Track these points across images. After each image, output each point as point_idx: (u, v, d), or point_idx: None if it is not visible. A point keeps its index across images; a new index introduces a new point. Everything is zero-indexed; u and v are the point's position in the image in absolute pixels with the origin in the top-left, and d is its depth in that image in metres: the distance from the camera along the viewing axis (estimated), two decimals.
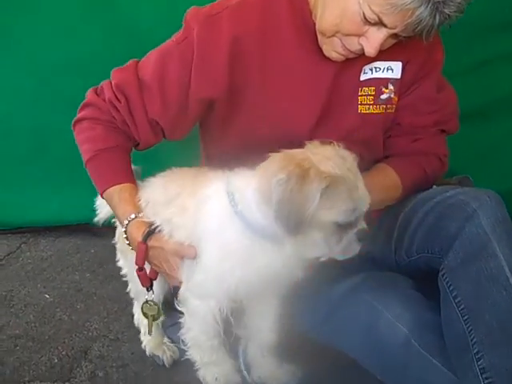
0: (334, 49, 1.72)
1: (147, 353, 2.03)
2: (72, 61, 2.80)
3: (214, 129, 1.94)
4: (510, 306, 1.48)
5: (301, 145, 1.56)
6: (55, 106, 2.92)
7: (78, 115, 1.89)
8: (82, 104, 1.89)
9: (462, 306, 1.55)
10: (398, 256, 1.84)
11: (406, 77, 1.82)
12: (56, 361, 2.07)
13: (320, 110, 1.80)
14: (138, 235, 1.74)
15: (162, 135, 1.89)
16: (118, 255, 2.05)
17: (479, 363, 1.47)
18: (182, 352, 1.81)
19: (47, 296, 2.50)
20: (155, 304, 1.84)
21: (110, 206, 1.85)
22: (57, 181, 3.02)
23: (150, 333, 1.89)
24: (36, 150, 2.99)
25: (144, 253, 1.72)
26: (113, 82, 1.83)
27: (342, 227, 1.49)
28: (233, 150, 1.84)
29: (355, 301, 1.72)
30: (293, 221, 1.45)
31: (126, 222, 1.78)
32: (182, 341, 1.77)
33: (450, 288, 1.58)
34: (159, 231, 1.73)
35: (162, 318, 1.93)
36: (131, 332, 2.17)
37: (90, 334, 2.22)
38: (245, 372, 1.82)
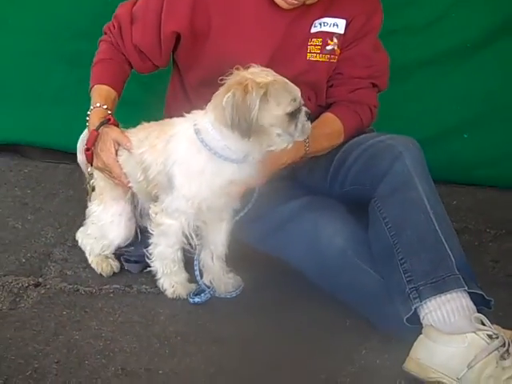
0: None
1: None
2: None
3: (180, 63, 2.31)
4: (426, 225, 1.92)
5: None
6: None
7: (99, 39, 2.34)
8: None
9: (389, 225, 1.97)
10: (331, 188, 2.25)
11: (349, 33, 2.22)
12: (24, 260, 2.28)
13: (272, 53, 2.17)
14: (94, 121, 2.12)
15: (150, 62, 2.28)
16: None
17: (403, 266, 1.90)
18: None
19: None
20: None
21: (91, 101, 2.19)
22: None
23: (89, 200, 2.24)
24: None
25: (94, 138, 2.11)
26: (115, 13, 2.25)
27: (293, 115, 1.87)
28: (195, 86, 2.25)
29: (301, 217, 2.11)
30: (244, 126, 1.84)
31: (91, 107, 2.15)
32: (147, 255, 2.11)
33: (381, 211, 2.01)
34: (112, 123, 2.12)
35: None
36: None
37: (48, 241, 2.44)
38: (198, 277, 2.14)
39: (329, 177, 2.25)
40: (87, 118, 2.15)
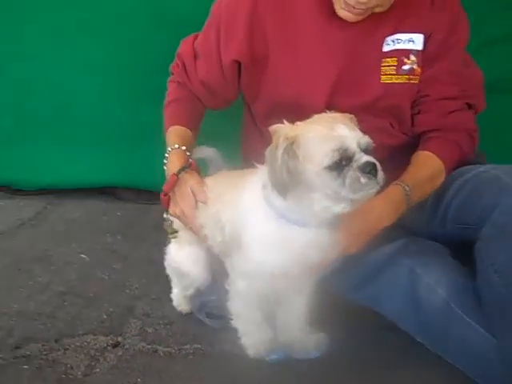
0: (341, 6, 1.84)
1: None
2: (95, 22, 2.92)
3: (246, 93, 2.17)
4: None
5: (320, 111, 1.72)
6: (77, 67, 2.99)
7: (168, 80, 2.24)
8: None
9: (499, 274, 1.68)
10: (430, 227, 1.99)
11: (429, 49, 1.94)
12: (105, 317, 2.17)
13: (336, 78, 1.93)
14: (175, 165, 1.95)
15: (221, 98, 2.17)
16: None
17: None
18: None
19: (84, 256, 2.61)
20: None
21: (167, 145, 2.05)
22: (79, 143, 3.14)
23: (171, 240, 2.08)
24: (60, 111, 3.11)
25: (173, 183, 1.94)
26: (177, 51, 2.19)
27: (336, 169, 1.57)
28: (263, 118, 2.06)
29: (396, 265, 1.86)
30: (275, 182, 1.61)
31: (169, 149, 1.99)
32: (227, 312, 1.93)
33: (488, 257, 1.72)
34: (193, 168, 1.95)
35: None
36: (171, 292, 2.28)
37: (133, 293, 2.33)
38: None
39: (426, 214, 1.98)
40: (165, 161, 2.02)
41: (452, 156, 1.98)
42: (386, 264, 1.90)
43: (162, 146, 2.09)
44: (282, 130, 1.62)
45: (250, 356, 1.91)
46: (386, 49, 1.94)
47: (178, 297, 2.18)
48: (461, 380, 1.78)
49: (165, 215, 2.09)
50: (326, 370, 1.86)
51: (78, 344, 2.02)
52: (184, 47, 2.16)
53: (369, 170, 1.55)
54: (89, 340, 2.04)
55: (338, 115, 1.65)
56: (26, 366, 1.91)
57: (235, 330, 1.94)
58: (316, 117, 1.65)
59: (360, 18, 1.86)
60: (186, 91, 2.15)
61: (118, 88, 3.02)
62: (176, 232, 2.08)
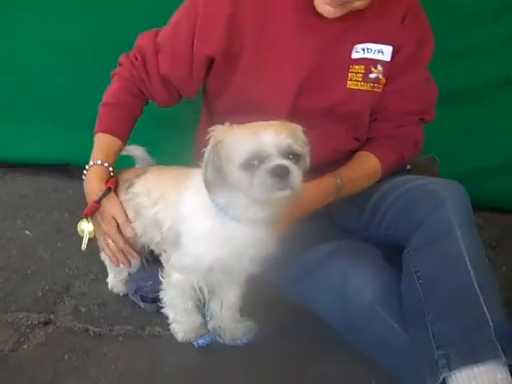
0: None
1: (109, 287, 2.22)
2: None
3: (211, 90, 2.12)
4: (464, 285, 1.67)
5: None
6: (41, 46, 2.97)
7: (113, 71, 2.13)
8: (118, 62, 2.13)
9: (421, 281, 1.74)
10: (367, 231, 2.03)
11: (397, 61, 1.98)
12: (40, 294, 2.18)
13: (305, 78, 1.95)
14: (94, 185, 1.97)
15: (176, 94, 2.09)
16: None
17: (432, 328, 1.66)
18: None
19: (28, 233, 2.61)
20: (91, 223, 2.03)
21: (92, 150, 2.04)
22: (36, 119, 3.10)
23: (85, 247, 2.05)
24: (21, 86, 3.06)
25: (95, 210, 1.97)
26: (136, 44, 2.09)
27: (250, 169, 1.59)
28: (225, 113, 2.00)
29: (330, 265, 1.89)
30: (204, 182, 1.67)
31: (91, 163, 1.99)
32: (159, 298, 1.97)
33: (413, 264, 1.78)
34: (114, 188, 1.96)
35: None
36: None
37: (71, 272, 2.34)
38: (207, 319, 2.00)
39: (364, 218, 2.04)
40: (84, 172, 2.02)
41: (391, 161, 2.05)
42: (320, 262, 1.93)
43: None
44: (217, 131, 1.66)
45: (178, 340, 1.95)
46: (354, 56, 1.97)
47: (113, 280, 2.21)
48: (376, 373, 1.84)
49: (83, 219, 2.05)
50: (249, 356, 1.90)
51: (10, 320, 2.04)
52: (145, 40, 2.07)
53: (277, 172, 1.57)
54: (21, 316, 2.06)
55: (278, 123, 1.65)
56: None
57: (167, 315, 1.98)
58: (255, 122, 1.66)
59: (339, 13, 1.86)
60: (131, 94, 2.07)
61: (80, 68, 2.97)
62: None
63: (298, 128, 1.69)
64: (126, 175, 2.03)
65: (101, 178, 1.96)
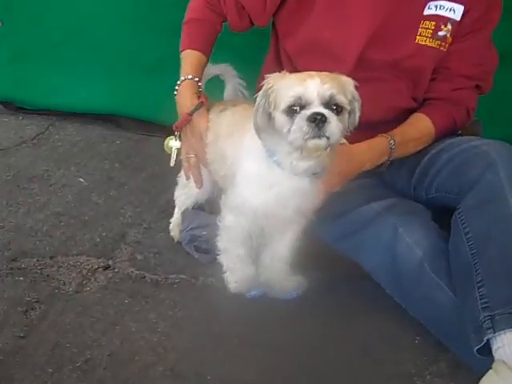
0: None
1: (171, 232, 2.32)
2: None
3: (282, 28, 2.16)
4: None
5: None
6: None
7: None
8: None
9: (471, 242, 1.79)
10: (416, 192, 2.09)
11: (465, 22, 2.02)
12: (98, 240, 2.29)
13: (374, 30, 2.00)
14: (186, 100, 2.03)
15: (248, 21, 2.15)
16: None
17: (480, 290, 1.72)
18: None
19: (81, 180, 2.71)
20: (180, 141, 2.12)
21: (180, 66, 2.11)
22: (87, 68, 3.16)
23: (173, 163, 2.15)
24: (73, 34, 3.13)
25: (186, 122, 2.05)
26: None
27: (291, 114, 1.65)
28: (293, 55, 2.11)
29: (381, 222, 1.96)
30: (254, 126, 1.73)
31: (182, 78, 2.06)
32: (215, 248, 2.05)
33: (464, 225, 1.83)
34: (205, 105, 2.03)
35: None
36: (163, 223, 2.40)
37: (126, 220, 2.44)
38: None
39: (414, 179, 2.09)
40: (176, 88, 2.08)
41: (445, 126, 2.09)
42: (372, 219, 1.99)
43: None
44: (270, 78, 1.72)
45: (230, 290, 2.04)
46: (427, 12, 2.01)
47: (174, 224, 2.30)
48: (420, 333, 1.92)
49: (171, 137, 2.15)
50: (299, 310, 1.99)
51: (71, 263, 2.15)
52: None
53: (314, 119, 1.60)
54: (82, 260, 2.17)
55: (329, 74, 1.70)
56: (21, 278, 2.04)
57: (220, 266, 2.06)
58: (308, 72, 1.70)
59: None
60: (210, 10, 2.13)
61: (132, 18, 3.03)
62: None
63: (348, 81, 1.73)
64: (223, 104, 2.10)
65: (193, 91, 2.04)
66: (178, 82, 2.07)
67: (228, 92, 2.26)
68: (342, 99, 1.66)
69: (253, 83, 2.06)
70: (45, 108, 3.28)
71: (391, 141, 2.00)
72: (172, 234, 2.31)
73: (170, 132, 2.14)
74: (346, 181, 1.95)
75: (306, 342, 1.88)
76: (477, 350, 1.68)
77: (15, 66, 3.21)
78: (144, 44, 3.08)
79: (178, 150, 2.12)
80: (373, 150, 2.01)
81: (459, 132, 2.17)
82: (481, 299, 1.71)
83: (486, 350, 1.67)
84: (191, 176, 2.12)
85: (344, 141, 1.78)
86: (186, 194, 2.24)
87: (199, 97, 2.05)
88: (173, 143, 2.12)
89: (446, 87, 2.11)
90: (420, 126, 2.08)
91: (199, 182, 2.12)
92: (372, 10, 1.99)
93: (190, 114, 2.02)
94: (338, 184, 1.93)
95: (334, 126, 1.63)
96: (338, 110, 1.66)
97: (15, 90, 3.27)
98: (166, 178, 2.41)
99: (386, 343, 1.91)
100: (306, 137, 1.63)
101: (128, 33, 3.08)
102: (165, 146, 2.15)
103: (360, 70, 1.76)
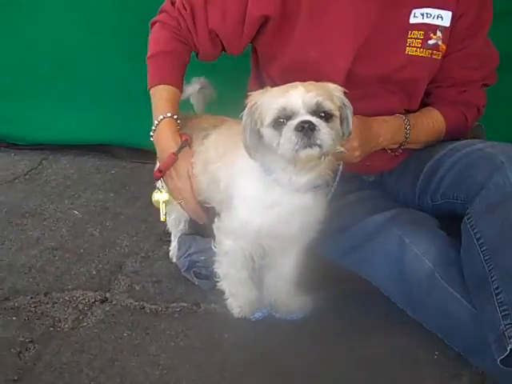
0: None
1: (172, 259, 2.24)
2: None
3: (265, 53, 2.08)
4: None
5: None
6: (79, 25, 2.97)
7: (154, 19, 2.06)
8: (159, 9, 2.06)
9: (484, 248, 1.70)
10: (421, 200, 2.01)
11: (461, 28, 1.95)
12: (94, 273, 2.20)
13: (362, 43, 1.92)
14: (168, 139, 1.92)
15: (221, 48, 2.04)
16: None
17: (498, 297, 1.62)
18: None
19: (76, 212, 2.62)
20: (166, 191, 2.02)
21: (152, 103, 1.99)
22: (78, 101, 3.12)
23: (164, 217, 2.05)
24: (61, 67, 3.07)
25: (172, 163, 1.92)
26: None
27: (278, 127, 1.59)
28: (279, 75, 2.01)
29: (386, 234, 1.88)
30: (245, 147, 1.67)
31: (161, 117, 1.94)
32: (214, 274, 1.96)
33: (475, 231, 1.74)
34: (188, 145, 1.93)
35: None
36: (161, 251, 2.33)
37: (122, 250, 2.35)
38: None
39: (418, 187, 2.02)
40: (153, 128, 1.95)
41: (456, 123, 2.04)
42: (376, 232, 1.91)
43: None
44: (253, 95, 1.66)
45: (234, 316, 1.94)
46: (413, 21, 1.94)
47: (175, 249, 2.23)
48: (439, 347, 1.82)
49: (157, 185, 2.06)
50: (308, 331, 1.89)
51: (67, 298, 2.06)
52: None
53: (301, 128, 1.54)
54: (77, 295, 2.08)
55: (313, 82, 1.63)
56: (14, 318, 1.94)
57: (222, 292, 1.98)
58: (293, 83, 1.64)
59: None
60: (180, 41, 2.01)
61: (119, 47, 2.98)
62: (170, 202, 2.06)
63: (335, 88, 1.66)
64: (205, 123, 2.01)
65: (174, 130, 1.93)
66: (156, 122, 1.94)
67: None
68: (329, 105, 1.59)
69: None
70: (37, 143, 3.22)
71: (406, 120, 1.97)
72: (175, 259, 2.22)
73: None
74: (365, 153, 1.89)
75: (315, 366, 1.78)
76: (500, 361, 1.58)
77: (5, 103, 3.15)
78: (132, 73, 2.99)
79: (166, 201, 2.02)
80: (388, 123, 1.96)
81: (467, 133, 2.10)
82: (500, 307, 1.62)
83: (511, 361, 1.57)
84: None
85: (342, 149, 1.69)
86: (174, 218, 2.19)
87: (181, 135, 1.94)
88: (159, 196, 2.02)
89: (454, 92, 2.06)
90: (431, 116, 2.04)
91: (201, 219, 2.03)
92: (356, 24, 1.92)
93: (176, 154, 1.91)
94: (359, 157, 1.88)
95: (325, 133, 1.56)
96: (326, 117, 1.59)
97: (6, 126, 3.21)
98: None
99: (402, 361, 1.81)
100: (297, 147, 1.56)
101: (116, 63, 3.04)
102: (152, 201, 2.05)
103: (351, 88, 1.67)
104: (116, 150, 3.17)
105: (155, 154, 2.11)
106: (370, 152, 1.93)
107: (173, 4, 2.02)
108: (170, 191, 2.00)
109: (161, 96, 1.98)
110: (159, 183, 2.03)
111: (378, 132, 1.92)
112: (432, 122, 2.02)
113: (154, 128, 1.96)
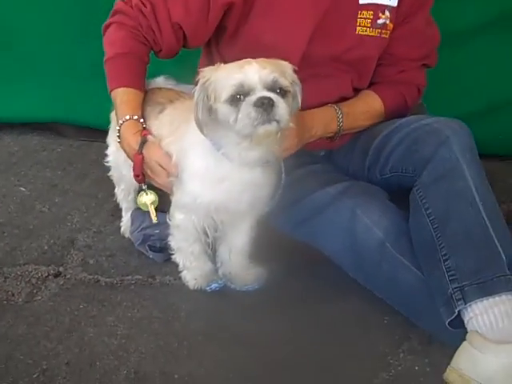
0: None
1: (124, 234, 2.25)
2: None
3: (224, 36, 2.06)
4: (475, 219, 1.71)
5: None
6: (21, 2, 2.90)
7: (107, 21, 2.01)
8: (111, 11, 2.01)
9: (432, 217, 1.77)
10: (370, 173, 2.07)
11: (402, 6, 2.01)
12: (46, 248, 2.18)
13: (315, 26, 1.96)
14: (130, 140, 1.90)
15: (183, 42, 2.01)
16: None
17: (446, 263, 1.70)
18: None
19: (23, 189, 2.58)
20: (152, 192, 1.97)
21: (114, 107, 1.97)
22: (21, 78, 3.03)
23: (155, 218, 1.98)
24: (5, 44, 2.98)
25: (140, 163, 1.88)
26: None
27: (234, 103, 1.61)
28: (234, 56, 1.93)
29: (338, 205, 1.92)
30: (196, 122, 1.69)
31: (120, 121, 1.92)
32: (169, 247, 1.99)
33: (423, 201, 1.81)
34: (150, 139, 1.90)
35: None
36: (113, 226, 2.32)
37: (74, 226, 2.33)
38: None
39: (367, 162, 2.07)
40: (118, 134, 1.93)
41: (394, 103, 2.09)
42: (328, 203, 1.95)
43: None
44: (205, 70, 1.67)
45: (190, 287, 1.97)
46: (362, 1, 1.98)
47: (125, 225, 2.23)
48: (388, 313, 1.89)
49: (143, 186, 1.98)
50: (264, 300, 1.93)
51: (19, 273, 2.04)
52: None
53: (261, 103, 1.57)
54: (30, 269, 2.06)
55: (265, 59, 1.66)
56: None
57: (176, 264, 2.00)
58: (246, 59, 1.66)
59: None
60: (138, 42, 1.96)
61: (65, 23, 2.90)
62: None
63: (286, 65, 1.70)
64: (160, 97, 1.99)
65: (133, 131, 1.90)
66: (118, 128, 1.92)
67: None
68: (284, 82, 1.63)
69: None
70: None
71: (337, 109, 2.01)
72: (127, 234, 2.22)
73: None
74: (301, 144, 1.93)
75: (272, 332, 1.82)
76: (449, 323, 1.66)
77: None
78: (77, 50, 2.96)
79: (154, 202, 1.98)
80: (320, 115, 2.00)
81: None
82: (448, 272, 1.70)
83: (458, 323, 1.65)
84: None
85: (292, 125, 1.72)
86: (123, 189, 2.20)
87: (141, 132, 1.91)
88: (145, 198, 1.97)
89: (393, 71, 2.11)
90: (367, 100, 2.09)
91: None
92: (310, 6, 1.95)
93: (140, 153, 1.88)
94: (294, 147, 1.91)
95: (282, 108, 1.59)
96: (282, 93, 1.62)
97: None
98: (111, 182, 2.29)
99: (355, 326, 1.87)
100: (255, 123, 1.59)
101: (60, 40, 2.95)
102: (139, 205, 2.01)
103: (304, 68, 1.72)
104: (61, 128, 3.11)
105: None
106: (306, 143, 1.97)
107: (126, 3, 1.98)
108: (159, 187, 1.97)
109: (120, 100, 1.95)
110: (143, 185, 1.97)
111: (311, 124, 1.96)
112: (368, 106, 2.08)
113: (117, 135, 1.94)
